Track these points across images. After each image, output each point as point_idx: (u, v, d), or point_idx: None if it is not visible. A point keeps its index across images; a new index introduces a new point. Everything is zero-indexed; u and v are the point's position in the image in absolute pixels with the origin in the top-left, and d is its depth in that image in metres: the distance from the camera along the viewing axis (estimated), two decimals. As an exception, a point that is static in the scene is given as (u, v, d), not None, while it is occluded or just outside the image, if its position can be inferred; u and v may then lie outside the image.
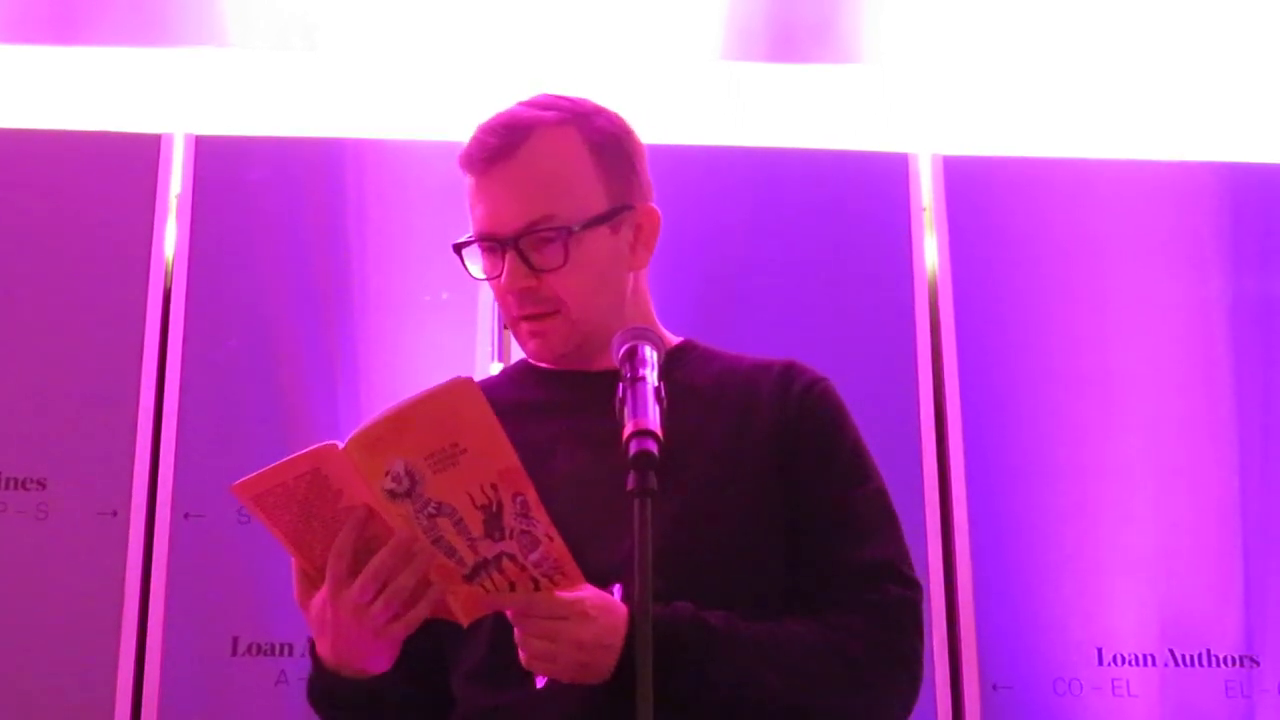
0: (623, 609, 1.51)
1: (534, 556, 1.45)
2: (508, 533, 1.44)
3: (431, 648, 1.63)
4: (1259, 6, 3.58)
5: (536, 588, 1.47)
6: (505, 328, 3.04)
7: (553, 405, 1.74)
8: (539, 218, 1.69)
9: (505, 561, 1.46)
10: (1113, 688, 2.91)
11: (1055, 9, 3.56)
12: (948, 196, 3.18)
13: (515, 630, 1.50)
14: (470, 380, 1.40)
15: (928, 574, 2.88)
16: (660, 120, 3.27)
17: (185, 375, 2.96)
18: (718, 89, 3.47)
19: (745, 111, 3.46)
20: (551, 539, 1.45)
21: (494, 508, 1.43)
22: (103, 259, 3.02)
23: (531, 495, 1.43)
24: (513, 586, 1.47)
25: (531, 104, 1.76)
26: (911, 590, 1.68)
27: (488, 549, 1.45)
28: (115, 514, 2.87)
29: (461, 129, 3.19)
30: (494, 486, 1.42)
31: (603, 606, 1.50)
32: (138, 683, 2.80)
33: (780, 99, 3.46)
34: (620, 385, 1.47)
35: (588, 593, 1.49)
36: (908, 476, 2.94)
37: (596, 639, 1.49)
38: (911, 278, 3.13)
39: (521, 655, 1.50)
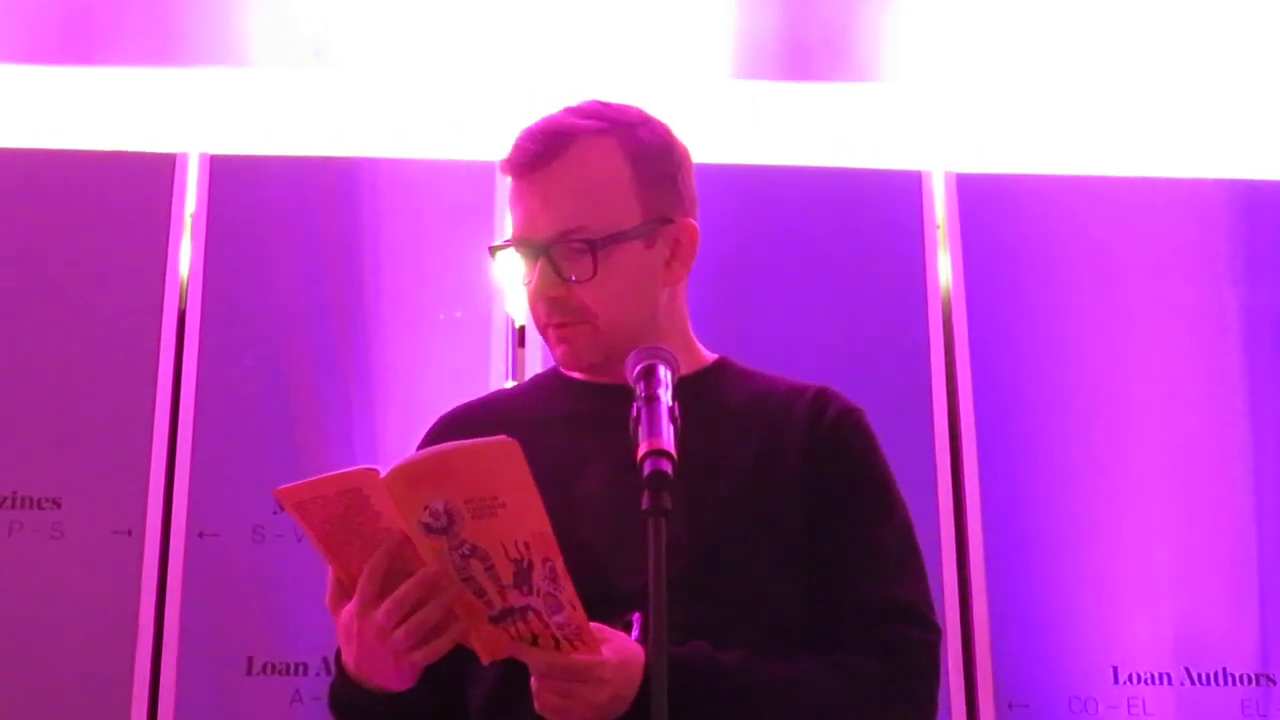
0: (639, 659, 1.50)
1: (558, 619, 1.46)
2: (535, 590, 1.44)
3: (452, 663, 1.63)
4: (1271, 25, 3.58)
5: (557, 646, 1.48)
6: (520, 345, 3.05)
7: (583, 419, 1.72)
8: (571, 228, 1.67)
9: (531, 615, 1.46)
10: (1129, 707, 2.90)
11: (1068, 27, 3.56)
12: (961, 214, 3.18)
13: (532, 680, 1.50)
14: (514, 443, 1.39)
15: (943, 592, 2.88)
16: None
17: (200, 394, 2.96)
18: (730, 107, 3.48)
19: (757, 130, 3.46)
20: (574, 608, 1.45)
21: (525, 564, 1.43)
22: (118, 278, 3.03)
23: (559, 564, 1.42)
24: (535, 640, 1.48)
25: (576, 111, 1.73)
26: (929, 633, 1.66)
27: (516, 599, 1.46)
28: (130, 533, 2.87)
29: (475, 148, 3.24)
30: (527, 545, 1.43)
31: (619, 665, 1.49)
32: (153, 702, 2.79)
33: (792, 117, 3.47)
34: (634, 405, 1.46)
35: (607, 653, 1.48)
36: (922, 494, 2.93)
37: (611, 696, 1.49)
38: (925, 295, 3.12)
39: (536, 703, 1.50)
